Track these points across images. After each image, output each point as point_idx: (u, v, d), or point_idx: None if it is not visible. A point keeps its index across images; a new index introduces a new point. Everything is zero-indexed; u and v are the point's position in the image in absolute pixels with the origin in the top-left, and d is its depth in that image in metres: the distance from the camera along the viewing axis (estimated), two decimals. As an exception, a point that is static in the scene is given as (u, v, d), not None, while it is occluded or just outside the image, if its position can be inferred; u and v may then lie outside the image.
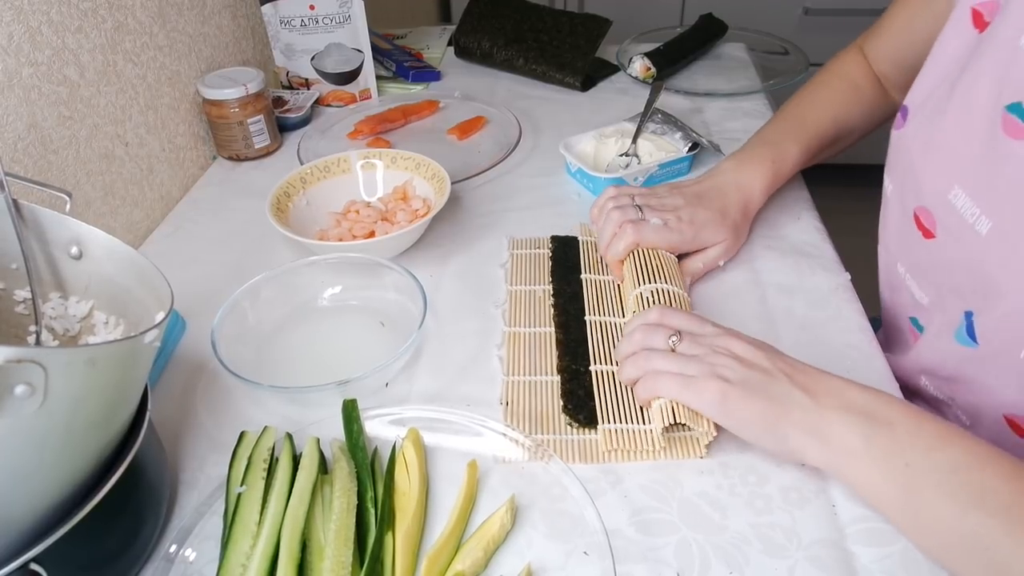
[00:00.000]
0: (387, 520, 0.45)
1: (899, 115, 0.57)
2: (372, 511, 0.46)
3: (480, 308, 0.65)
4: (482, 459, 0.50)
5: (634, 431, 0.51)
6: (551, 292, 0.64)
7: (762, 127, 0.73)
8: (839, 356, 0.58)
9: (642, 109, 0.85)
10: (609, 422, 0.51)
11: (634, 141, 0.82)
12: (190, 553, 0.45)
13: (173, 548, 0.45)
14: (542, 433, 0.52)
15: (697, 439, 0.50)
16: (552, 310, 0.62)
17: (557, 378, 0.56)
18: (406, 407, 0.54)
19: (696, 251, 0.65)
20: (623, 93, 1.02)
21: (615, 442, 0.50)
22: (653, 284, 0.58)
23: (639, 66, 1.03)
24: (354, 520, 0.45)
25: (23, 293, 0.48)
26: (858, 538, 0.44)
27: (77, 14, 0.67)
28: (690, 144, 0.81)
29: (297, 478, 0.46)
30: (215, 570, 0.43)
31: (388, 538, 0.44)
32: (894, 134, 0.58)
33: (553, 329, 0.60)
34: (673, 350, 0.49)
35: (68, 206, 0.46)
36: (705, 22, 1.14)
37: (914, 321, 0.62)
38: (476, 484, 0.49)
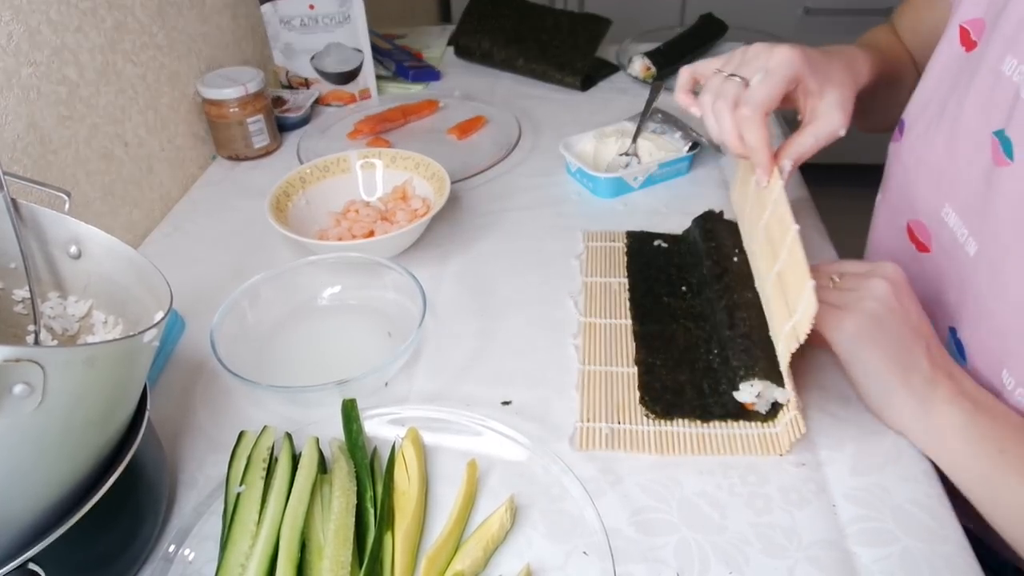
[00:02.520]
0: (386, 520, 0.45)
1: (897, 128, 0.57)
2: (371, 511, 0.46)
3: (480, 307, 0.65)
4: (482, 459, 0.50)
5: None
6: (627, 286, 0.65)
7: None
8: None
9: (642, 109, 0.85)
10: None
11: (634, 141, 0.82)
12: (189, 553, 0.45)
13: (172, 548, 0.45)
14: (617, 423, 0.52)
15: (778, 436, 0.50)
16: (628, 303, 0.63)
17: (633, 369, 0.56)
18: (405, 407, 0.54)
19: (805, 125, 0.56)
20: (623, 93, 1.02)
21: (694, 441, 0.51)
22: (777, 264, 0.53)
23: (639, 66, 1.03)
24: (353, 520, 0.44)
25: (22, 292, 0.48)
26: (858, 538, 0.44)
27: (76, 13, 0.67)
28: (690, 144, 0.81)
29: (296, 478, 0.46)
30: (214, 570, 0.42)
31: (387, 538, 0.44)
32: (892, 146, 0.58)
33: (629, 321, 0.61)
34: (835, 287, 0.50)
35: (67, 205, 0.46)
36: (705, 22, 1.14)
37: None
38: (476, 484, 0.48)
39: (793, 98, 0.55)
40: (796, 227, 0.48)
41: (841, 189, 1.94)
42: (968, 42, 0.51)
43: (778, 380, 0.49)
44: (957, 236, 0.50)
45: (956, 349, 0.53)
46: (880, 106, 0.68)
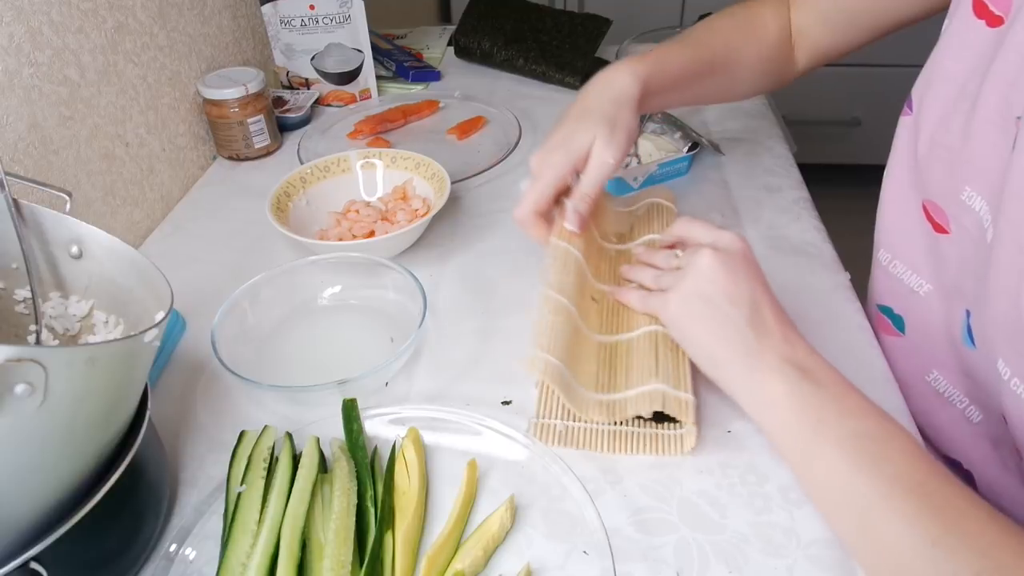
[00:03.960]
0: (387, 519, 0.45)
1: (906, 104, 0.56)
2: (372, 510, 0.46)
3: (480, 307, 0.65)
4: (482, 458, 0.50)
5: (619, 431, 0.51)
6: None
7: None
8: (839, 356, 0.57)
9: (642, 109, 0.85)
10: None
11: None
12: (190, 552, 0.45)
13: (173, 547, 0.45)
14: (573, 420, 0.52)
15: (682, 437, 0.50)
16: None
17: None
18: (406, 407, 0.54)
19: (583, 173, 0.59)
20: (623, 93, 1.02)
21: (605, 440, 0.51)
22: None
23: (639, 66, 1.03)
24: (354, 519, 0.45)
25: (23, 292, 0.48)
26: (857, 537, 0.44)
27: (78, 14, 0.67)
28: (690, 144, 0.81)
29: (297, 477, 0.46)
30: (215, 569, 0.43)
31: (388, 537, 0.44)
32: (902, 120, 0.56)
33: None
34: (676, 267, 0.52)
35: (68, 206, 0.46)
36: (705, 22, 1.14)
37: (885, 310, 0.61)
38: (476, 483, 0.49)
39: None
40: (547, 291, 0.53)
41: (841, 189, 1.94)
42: (989, 16, 0.49)
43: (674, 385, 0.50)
44: (982, 221, 0.49)
45: (967, 333, 0.52)
46: (708, 94, 0.70)
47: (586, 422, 0.52)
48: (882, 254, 0.61)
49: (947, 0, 0.54)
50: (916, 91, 0.55)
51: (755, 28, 0.67)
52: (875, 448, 0.41)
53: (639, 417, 0.51)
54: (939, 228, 0.54)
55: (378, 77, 1.03)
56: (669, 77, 0.62)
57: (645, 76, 0.60)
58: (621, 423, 0.52)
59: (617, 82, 0.60)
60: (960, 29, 0.51)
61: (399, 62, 1.09)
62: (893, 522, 0.38)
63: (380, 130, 0.93)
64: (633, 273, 0.58)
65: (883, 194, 0.61)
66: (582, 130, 0.57)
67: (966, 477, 0.59)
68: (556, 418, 0.52)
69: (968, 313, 0.52)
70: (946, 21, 0.53)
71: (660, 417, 0.51)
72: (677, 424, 0.50)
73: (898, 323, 0.61)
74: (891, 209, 0.60)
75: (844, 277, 0.66)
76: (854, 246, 0.69)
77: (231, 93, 0.83)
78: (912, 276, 0.58)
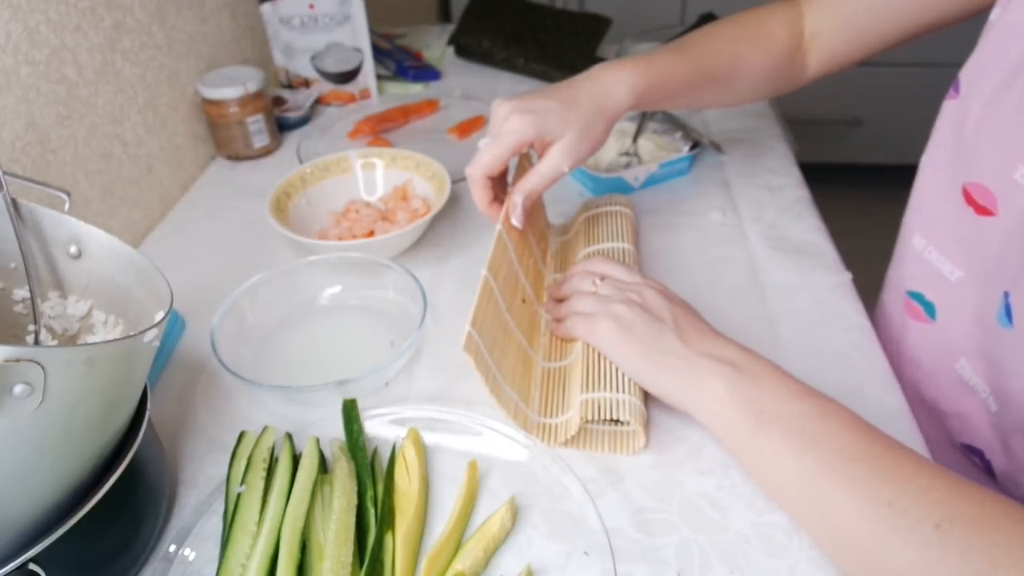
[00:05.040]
0: (387, 520, 0.45)
1: (952, 87, 0.55)
2: (372, 511, 0.46)
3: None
4: (482, 459, 0.50)
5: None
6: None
7: None
8: (839, 356, 0.58)
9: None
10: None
11: (634, 140, 0.82)
12: (189, 553, 0.45)
13: (172, 548, 0.45)
14: (552, 416, 0.53)
15: (633, 434, 0.50)
16: None
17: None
18: (406, 407, 0.54)
19: (537, 164, 0.60)
20: (623, 93, 1.02)
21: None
22: (600, 244, 0.63)
23: (639, 66, 1.03)
24: (354, 520, 0.44)
25: (22, 292, 0.48)
26: (859, 538, 0.44)
27: (75, 13, 0.67)
28: (690, 143, 0.81)
29: (297, 478, 0.46)
30: (215, 570, 0.42)
31: (388, 538, 0.44)
32: (946, 104, 0.55)
33: None
34: (595, 292, 0.55)
35: (67, 205, 0.46)
36: (705, 21, 1.14)
37: (916, 296, 0.61)
38: (476, 484, 0.48)
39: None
40: (484, 273, 0.54)
41: (841, 189, 1.94)
42: None
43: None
44: None
45: (1005, 313, 0.52)
46: (710, 100, 0.70)
47: (589, 422, 0.52)
48: (917, 240, 0.60)
49: (970, 7, 0.54)
50: (965, 73, 0.54)
51: (762, 37, 0.66)
52: (816, 426, 0.42)
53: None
54: (983, 210, 0.53)
55: (378, 77, 1.02)
56: (666, 88, 0.62)
57: (642, 90, 0.60)
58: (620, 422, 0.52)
59: (612, 89, 0.59)
60: (1015, 11, 0.50)
61: (399, 62, 1.09)
62: (846, 492, 0.39)
63: (380, 130, 0.93)
64: (558, 307, 0.59)
65: (919, 180, 0.60)
66: (558, 117, 0.57)
67: (987, 466, 0.59)
68: (557, 417, 0.52)
69: (1007, 294, 0.51)
70: (997, 9, 0.52)
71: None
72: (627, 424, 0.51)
73: (929, 309, 0.60)
74: (928, 195, 0.59)
75: (845, 277, 0.65)
76: (854, 246, 0.69)
77: (230, 92, 0.83)
78: (944, 262, 0.58)
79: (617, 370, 0.51)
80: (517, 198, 0.59)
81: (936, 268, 0.58)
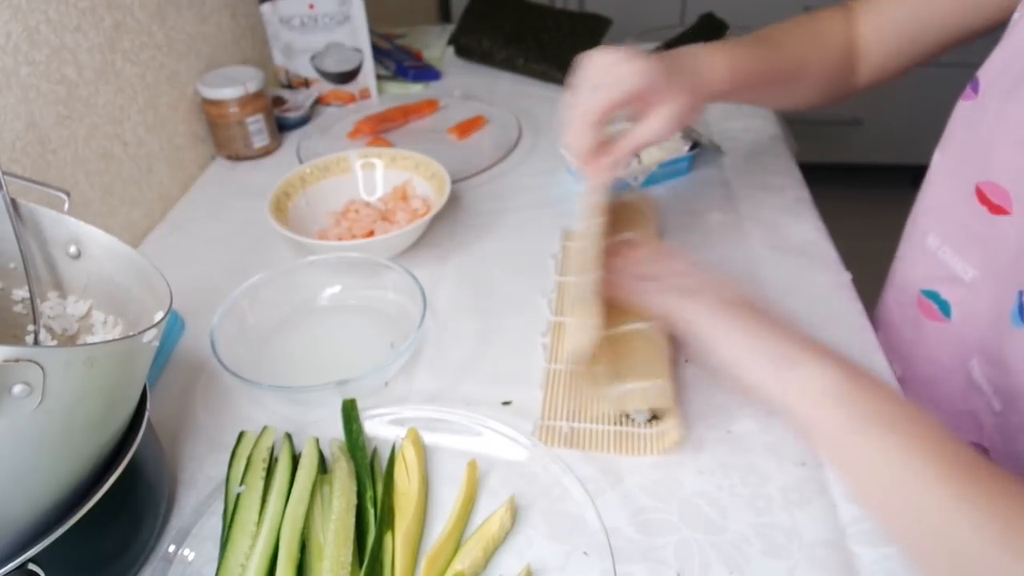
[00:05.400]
0: (387, 520, 0.45)
1: (968, 87, 0.55)
2: (371, 511, 0.46)
3: (480, 307, 0.64)
4: (482, 459, 0.50)
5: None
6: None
7: None
8: (839, 356, 0.57)
9: (642, 108, 0.85)
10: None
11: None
12: (189, 553, 0.45)
13: (172, 548, 0.45)
14: (579, 422, 0.52)
15: (662, 435, 0.50)
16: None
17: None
18: (406, 407, 0.54)
19: (635, 126, 0.57)
20: (623, 93, 1.02)
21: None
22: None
23: (639, 66, 1.03)
24: (353, 520, 0.44)
25: (21, 292, 0.48)
26: (859, 538, 0.44)
27: (75, 13, 0.67)
28: (690, 143, 0.81)
29: (296, 478, 0.46)
30: (214, 570, 0.42)
31: (387, 538, 0.44)
32: (961, 104, 0.55)
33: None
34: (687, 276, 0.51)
35: (66, 205, 0.46)
36: (705, 21, 1.14)
37: (931, 295, 0.61)
38: (476, 484, 0.48)
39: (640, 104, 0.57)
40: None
41: (841, 189, 1.94)
42: None
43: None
44: None
45: (1019, 312, 0.52)
46: (771, 100, 0.69)
47: (592, 423, 0.52)
48: (932, 239, 0.60)
49: (1002, 15, 0.54)
50: (984, 73, 0.54)
51: (823, 38, 0.66)
52: (916, 428, 0.40)
53: (627, 416, 0.52)
54: (997, 209, 0.53)
55: (378, 77, 1.02)
56: (753, 78, 0.61)
57: (737, 74, 0.59)
58: (622, 423, 0.52)
59: (711, 68, 0.58)
60: None
61: (399, 62, 1.09)
62: (958, 506, 0.36)
63: (380, 130, 0.93)
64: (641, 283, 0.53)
65: (931, 180, 0.60)
66: (666, 79, 0.55)
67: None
68: (561, 420, 0.52)
69: (1022, 293, 0.51)
70: (1019, 11, 0.52)
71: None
72: (665, 421, 0.51)
73: (945, 309, 0.60)
74: (942, 194, 0.59)
75: (845, 277, 0.65)
76: (854, 246, 0.69)
77: (230, 92, 0.83)
78: (958, 261, 0.58)
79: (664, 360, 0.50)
80: (620, 154, 0.57)
81: (950, 267, 0.58)
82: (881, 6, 0.66)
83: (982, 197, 0.54)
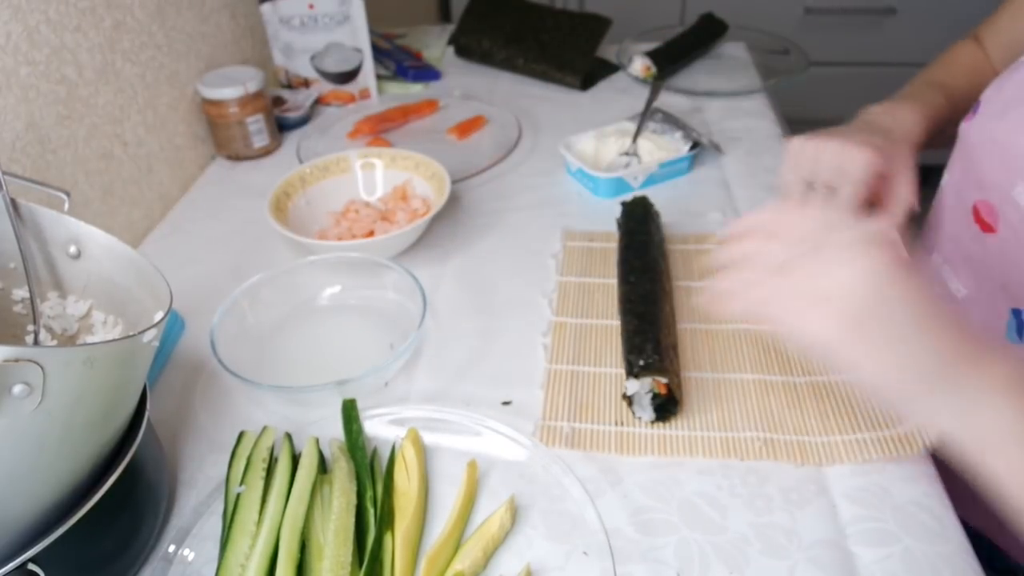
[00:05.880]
0: (386, 520, 0.45)
1: (972, 109, 0.56)
2: (371, 511, 0.46)
3: (480, 307, 0.64)
4: (481, 459, 0.50)
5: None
6: (599, 284, 0.65)
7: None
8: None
9: (642, 108, 0.85)
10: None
11: (634, 140, 0.82)
12: (189, 553, 0.45)
13: (172, 548, 0.45)
14: (579, 422, 0.52)
15: (688, 438, 0.50)
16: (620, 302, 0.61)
17: (603, 370, 0.56)
18: (405, 407, 0.54)
19: (884, 207, 0.58)
20: (623, 92, 1.02)
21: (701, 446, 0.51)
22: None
23: (639, 65, 1.03)
24: (353, 520, 0.44)
25: (21, 292, 0.48)
26: (858, 538, 0.44)
27: (75, 13, 0.67)
28: (690, 143, 0.81)
29: (296, 478, 0.46)
30: (214, 570, 0.42)
31: (387, 538, 0.44)
32: (963, 126, 0.57)
33: (598, 320, 0.61)
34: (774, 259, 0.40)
35: (66, 205, 0.46)
36: (705, 21, 1.14)
37: None
38: (476, 484, 0.48)
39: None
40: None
41: (841, 189, 1.94)
42: None
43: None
44: None
45: (1016, 330, 0.52)
46: (946, 137, 0.68)
47: (593, 423, 0.52)
48: (936, 257, 0.61)
49: None
50: (985, 96, 0.55)
51: (977, 70, 0.68)
52: None
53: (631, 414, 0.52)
54: (986, 227, 0.54)
55: (378, 77, 1.02)
56: (939, 125, 0.63)
57: (929, 127, 0.61)
58: (622, 423, 0.52)
59: (912, 128, 0.60)
60: None
61: (399, 62, 1.09)
62: None
63: (380, 130, 0.93)
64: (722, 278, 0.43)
65: (938, 197, 0.61)
66: (895, 154, 0.57)
67: (951, 493, 0.59)
68: (562, 420, 0.52)
69: (1017, 312, 0.52)
70: None
71: (662, 414, 0.51)
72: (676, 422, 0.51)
73: None
74: (944, 212, 0.60)
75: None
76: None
77: (230, 92, 0.83)
78: (953, 279, 0.59)
79: None
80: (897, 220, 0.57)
81: (948, 285, 0.59)
82: (999, 28, 0.67)
83: (976, 216, 0.55)
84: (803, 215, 0.40)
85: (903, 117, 0.61)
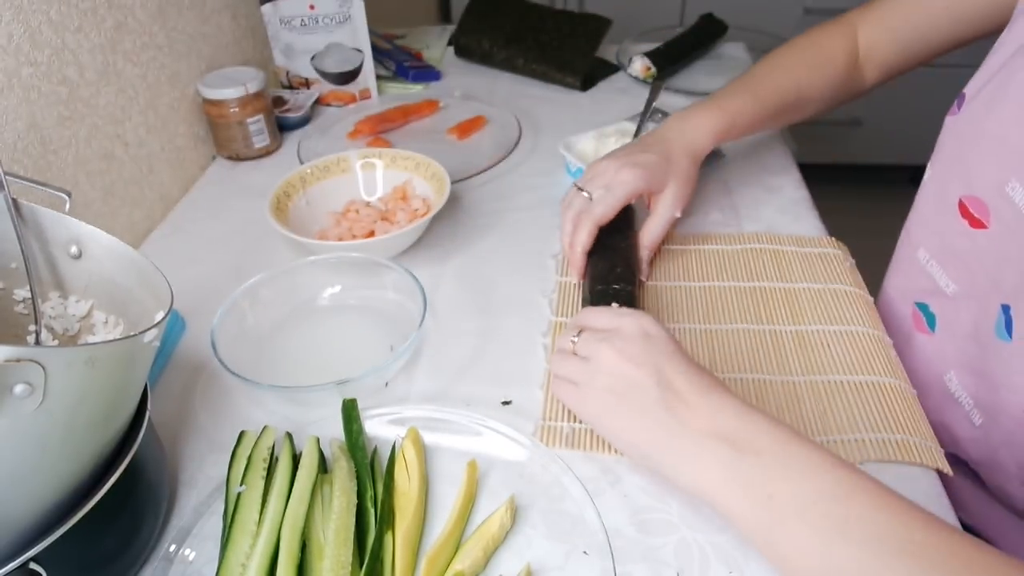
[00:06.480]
0: (387, 520, 0.45)
1: (955, 102, 0.57)
2: (372, 511, 0.46)
3: (480, 307, 0.65)
4: (481, 459, 0.50)
5: None
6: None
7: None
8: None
9: (642, 109, 0.85)
10: None
11: (634, 140, 0.82)
12: (189, 553, 0.45)
13: (172, 548, 0.45)
14: (580, 423, 0.52)
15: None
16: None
17: None
18: (406, 407, 0.54)
19: (651, 216, 0.65)
20: (623, 93, 1.02)
21: None
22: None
23: (639, 66, 1.03)
24: (354, 520, 0.44)
25: (23, 292, 0.48)
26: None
27: (77, 14, 0.67)
28: (690, 144, 0.81)
29: (297, 478, 0.46)
30: (214, 570, 0.42)
31: (388, 538, 0.44)
32: (948, 120, 0.57)
33: None
34: (573, 352, 0.50)
35: (67, 206, 0.46)
36: (705, 22, 1.14)
37: (923, 307, 0.62)
38: (476, 484, 0.49)
39: (643, 197, 0.65)
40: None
41: (840, 189, 1.94)
42: None
43: None
44: (1023, 211, 0.49)
45: (1005, 326, 0.52)
46: (776, 126, 0.75)
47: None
48: (922, 253, 0.61)
49: (994, 26, 0.55)
50: (969, 88, 0.55)
51: (823, 61, 0.70)
52: (841, 510, 0.36)
53: None
54: (976, 223, 0.54)
55: (378, 77, 1.03)
56: (742, 126, 0.68)
57: (721, 132, 0.66)
58: None
59: (697, 136, 0.66)
60: (1018, 29, 0.52)
61: (399, 62, 1.09)
62: None
63: (380, 130, 0.93)
64: (554, 364, 0.53)
65: (921, 191, 0.61)
66: (661, 169, 0.63)
67: (974, 475, 0.59)
68: (562, 421, 0.52)
69: (1007, 307, 0.52)
70: (1008, 26, 0.54)
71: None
72: None
73: (931, 321, 0.61)
74: (929, 207, 0.60)
75: (844, 277, 0.65)
76: (854, 246, 0.69)
77: (231, 93, 0.83)
78: (942, 275, 0.59)
79: None
80: (645, 253, 0.64)
81: (936, 281, 0.59)
82: (880, 16, 0.69)
83: (964, 211, 0.55)
84: (600, 313, 0.50)
85: (693, 125, 0.66)
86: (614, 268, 0.61)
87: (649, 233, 0.64)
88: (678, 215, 0.65)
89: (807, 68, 0.70)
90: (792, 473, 0.38)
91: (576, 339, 0.50)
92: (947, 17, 0.63)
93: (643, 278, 0.64)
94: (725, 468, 0.40)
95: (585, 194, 0.64)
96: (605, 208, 0.62)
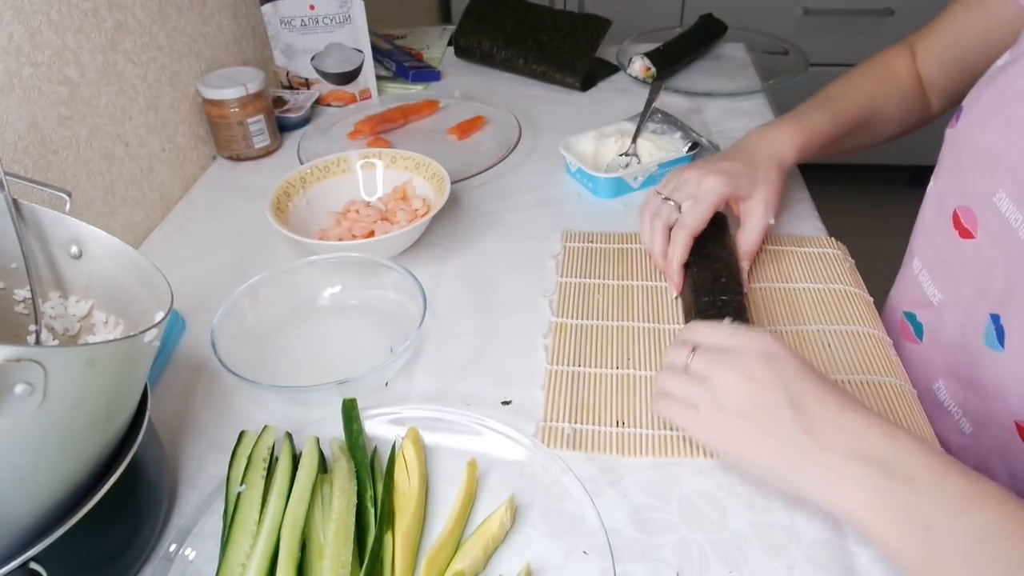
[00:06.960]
0: (387, 519, 0.45)
1: (954, 115, 0.57)
2: (372, 510, 0.46)
3: (480, 307, 0.65)
4: (482, 458, 0.50)
5: None
6: (601, 286, 0.66)
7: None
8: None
9: (642, 109, 0.85)
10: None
11: (634, 141, 0.82)
12: (190, 552, 0.45)
13: (173, 547, 0.45)
14: (580, 423, 0.52)
15: (689, 439, 0.50)
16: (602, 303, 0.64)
17: (604, 371, 0.57)
18: (406, 406, 0.54)
19: (742, 222, 0.64)
20: (623, 93, 1.02)
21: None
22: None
23: (639, 66, 1.03)
24: (354, 519, 0.45)
25: (23, 292, 0.48)
26: (858, 538, 0.44)
27: (77, 14, 0.67)
28: (690, 144, 0.81)
29: (297, 477, 0.46)
30: (215, 569, 0.43)
31: (388, 537, 0.44)
32: (947, 132, 0.58)
33: (599, 322, 0.62)
34: (686, 369, 0.47)
35: (68, 206, 0.46)
36: (705, 22, 1.14)
37: (910, 317, 0.62)
38: (476, 483, 0.49)
39: (730, 205, 0.65)
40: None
41: (841, 189, 1.94)
42: None
43: None
44: (1011, 221, 0.49)
45: (996, 335, 0.52)
46: (853, 147, 0.73)
47: (594, 424, 0.52)
48: (916, 263, 0.62)
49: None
50: (967, 102, 0.56)
51: (893, 80, 0.70)
52: (1007, 550, 0.33)
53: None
54: (966, 233, 0.54)
55: (378, 77, 1.03)
56: (821, 142, 0.67)
57: (802, 146, 0.66)
58: (623, 424, 0.52)
59: (781, 148, 0.65)
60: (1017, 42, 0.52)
61: (399, 62, 1.09)
62: None
63: (380, 130, 0.93)
64: (660, 380, 0.50)
65: (923, 205, 0.62)
66: (747, 176, 0.63)
67: None
68: (563, 422, 0.52)
69: (996, 317, 0.52)
70: (1004, 58, 0.54)
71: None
72: None
73: (918, 331, 0.62)
74: (927, 219, 0.61)
75: (844, 277, 0.65)
76: (854, 246, 0.70)
77: (231, 93, 0.83)
78: (930, 284, 0.60)
79: None
80: (744, 264, 0.63)
81: (924, 290, 0.60)
82: (930, 45, 0.70)
83: (956, 222, 0.55)
84: (714, 331, 0.48)
85: (774, 138, 0.66)
86: (718, 278, 0.59)
87: (746, 242, 0.63)
88: (771, 221, 0.63)
89: (877, 85, 0.70)
90: (952, 504, 0.36)
91: (690, 357, 0.47)
92: (981, 41, 0.63)
93: (745, 289, 0.61)
94: (873, 493, 0.38)
95: (672, 203, 0.63)
96: (696, 219, 0.61)
